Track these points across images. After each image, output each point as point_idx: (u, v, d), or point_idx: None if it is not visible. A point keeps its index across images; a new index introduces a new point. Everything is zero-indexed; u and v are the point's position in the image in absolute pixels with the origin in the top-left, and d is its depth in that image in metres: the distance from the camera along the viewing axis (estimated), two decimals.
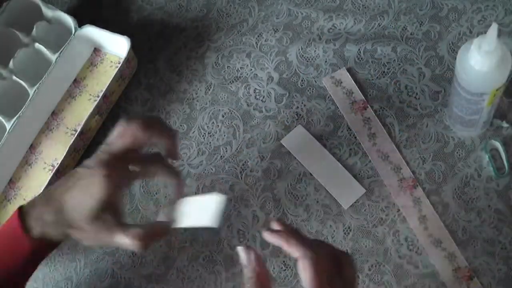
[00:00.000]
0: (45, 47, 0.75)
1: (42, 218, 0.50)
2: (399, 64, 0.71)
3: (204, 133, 0.73)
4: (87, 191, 0.49)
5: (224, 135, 0.73)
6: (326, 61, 0.73)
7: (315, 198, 0.67)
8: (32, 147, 0.77)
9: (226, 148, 0.72)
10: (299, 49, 0.75)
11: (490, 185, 0.64)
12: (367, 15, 0.74)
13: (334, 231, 0.65)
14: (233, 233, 0.68)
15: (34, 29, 0.76)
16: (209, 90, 0.75)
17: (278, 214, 0.67)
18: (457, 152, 0.66)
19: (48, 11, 0.77)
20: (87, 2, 0.85)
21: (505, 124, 0.65)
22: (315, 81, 0.73)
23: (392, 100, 0.70)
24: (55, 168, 0.71)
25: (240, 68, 0.76)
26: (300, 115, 0.72)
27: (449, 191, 0.64)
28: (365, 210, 0.65)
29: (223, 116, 0.74)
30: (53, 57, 0.75)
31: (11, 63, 0.75)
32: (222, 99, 0.75)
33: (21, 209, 0.51)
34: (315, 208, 0.67)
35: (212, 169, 0.71)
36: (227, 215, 0.68)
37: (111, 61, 0.79)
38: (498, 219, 0.62)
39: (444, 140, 0.67)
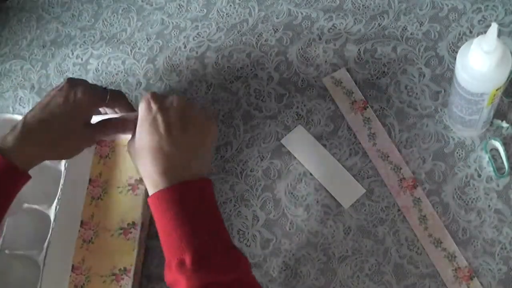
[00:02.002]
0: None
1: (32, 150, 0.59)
2: (399, 64, 0.71)
3: None
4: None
5: (224, 135, 0.73)
6: (326, 61, 0.73)
7: (315, 198, 0.67)
8: (76, 268, 0.67)
9: (226, 148, 0.72)
10: (299, 49, 0.75)
11: (490, 185, 0.64)
12: (367, 15, 0.74)
13: (334, 231, 0.65)
14: (233, 233, 0.68)
15: None
16: (209, 90, 0.75)
17: (278, 214, 0.67)
18: (457, 152, 0.66)
19: None
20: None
21: (505, 124, 0.65)
22: (315, 81, 0.73)
23: (392, 100, 0.70)
24: (124, 275, 0.64)
25: (240, 68, 0.76)
26: (300, 115, 0.71)
27: (449, 191, 0.64)
28: (365, 210, 0.65)
29: (223, 116, 0.74)
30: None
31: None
32: (222, 99, 0.75)
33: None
34: (315, 208, 0.67)
35: (212, 169, 0.71)
36: (227, 215, 0.68)
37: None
38: (498, 219, 0.62)
39: (444, 140, 0.67)
